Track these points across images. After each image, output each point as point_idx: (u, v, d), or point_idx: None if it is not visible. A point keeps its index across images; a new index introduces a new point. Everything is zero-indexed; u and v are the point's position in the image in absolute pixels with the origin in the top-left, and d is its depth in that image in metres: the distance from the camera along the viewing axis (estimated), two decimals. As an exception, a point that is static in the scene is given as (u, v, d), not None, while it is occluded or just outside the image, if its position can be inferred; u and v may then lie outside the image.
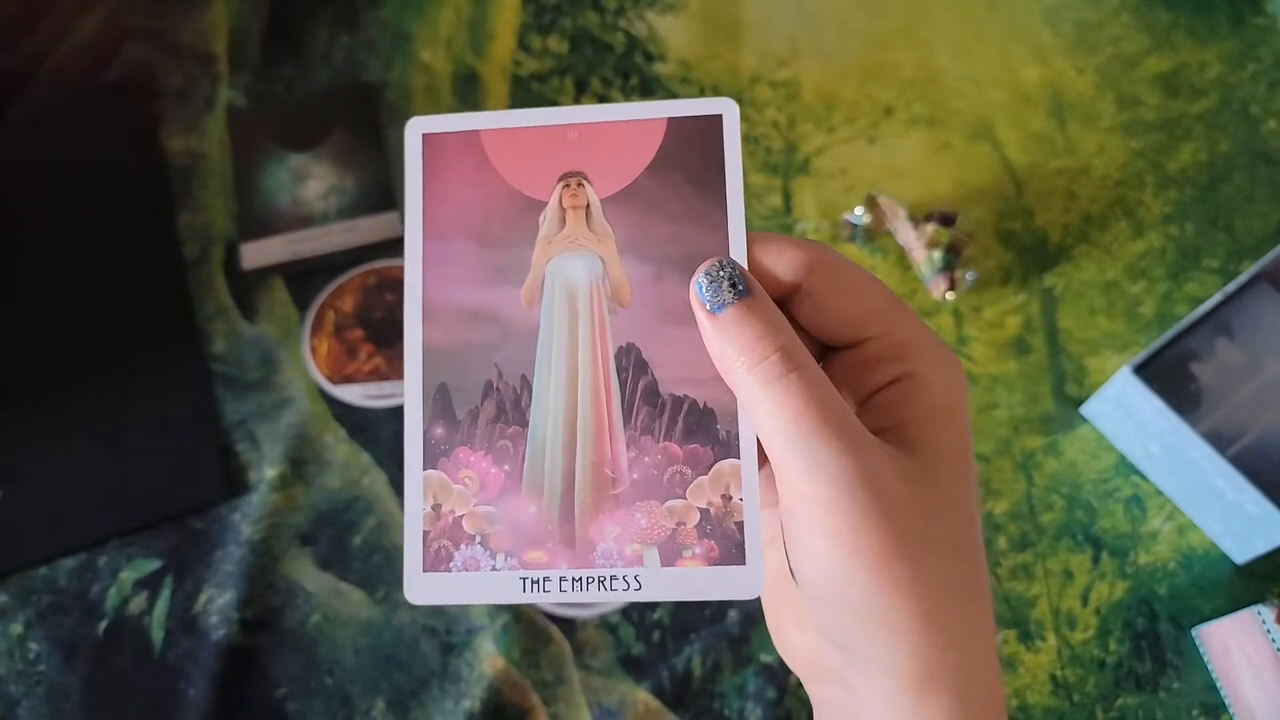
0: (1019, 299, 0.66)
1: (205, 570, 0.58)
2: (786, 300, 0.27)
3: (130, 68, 0.72)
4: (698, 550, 0.27)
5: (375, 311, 0.65)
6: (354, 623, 0.57)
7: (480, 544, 0.27)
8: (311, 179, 0.68)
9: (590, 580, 0.27)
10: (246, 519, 0.59)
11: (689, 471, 0.27)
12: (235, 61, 0.73)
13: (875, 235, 0.67)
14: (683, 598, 0.27)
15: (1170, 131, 0.71)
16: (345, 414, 0.62)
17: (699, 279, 0.26)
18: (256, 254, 0.66)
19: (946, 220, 0.65)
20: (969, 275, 0.64)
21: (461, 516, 0.27)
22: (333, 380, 0.63)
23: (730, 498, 0.27)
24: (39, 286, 0.65)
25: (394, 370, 0.63)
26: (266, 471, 0.60)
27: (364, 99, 0.71)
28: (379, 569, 0.58)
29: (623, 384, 0.27)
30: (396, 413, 0.62)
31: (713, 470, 0.27)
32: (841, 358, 0.28)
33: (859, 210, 0.66)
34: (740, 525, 0.27)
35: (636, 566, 0.27)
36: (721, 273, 0.26)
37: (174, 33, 0.73)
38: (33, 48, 0.72)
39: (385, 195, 0.68)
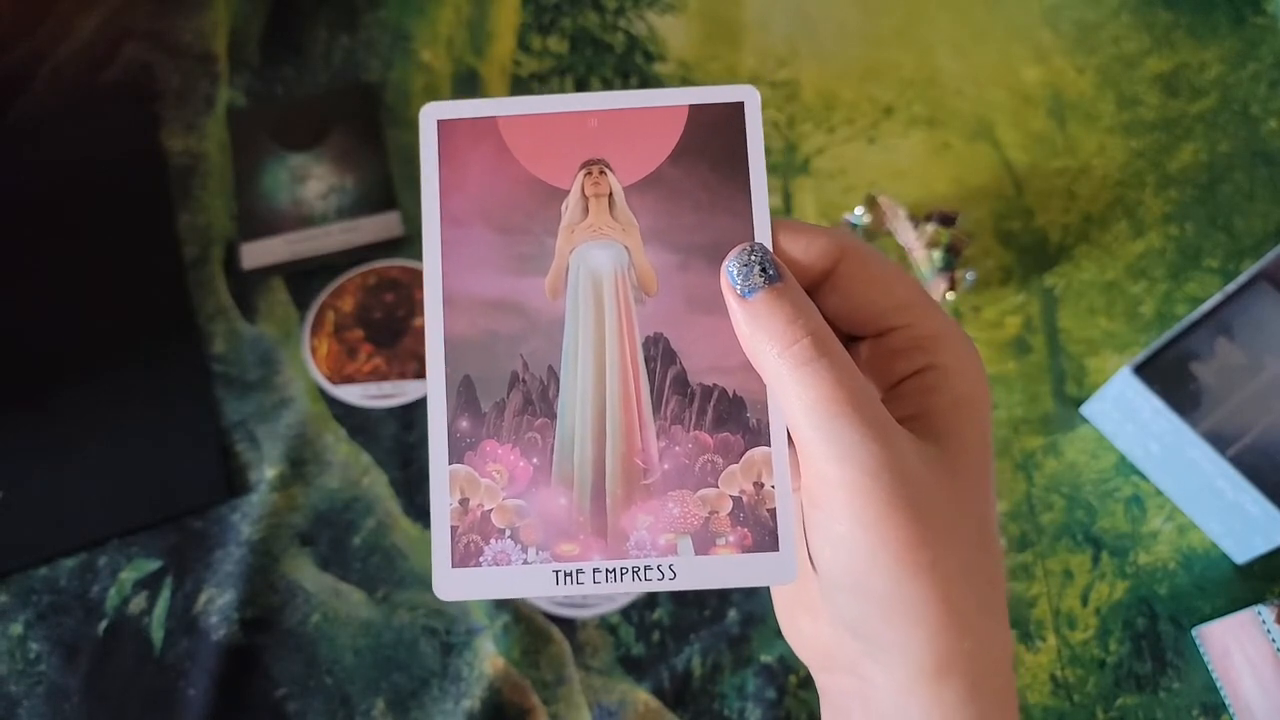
0: (1019, 299, 0.66)
1: (205, 570, 0.58)
2: (812, 288, 0.27)
3: (130, 68, 0.72)
4: (731, 538, 0.27)
5: (375, 312, 0.65)
6: (354, 623, 0.57)
7: (510, 538, 0.27)
8: (311, 179, 0.68)
9: (624, 571, 0.27)
10: (246, 519, 0.59)
11: (720, 460, 0.27)
12: (235, 61, 0.73)
13: (875, 235, 0.67)
14: (717, 586, 0.27)
15: (1170, 131, 0.71)
16: (345, 414, 0.62)
17: (729, 263, 0.26)
18: (256, 254, 0.66)
19: (946, 220, 0.65)
20: (969, 275, 0.64)
21: (490, 510, 0.27)
22: (333, 380, 0.63)
23: (762, 485, 0.27)
24: (39, 287, 0.65)
25: (394, 370, 0.63)
26: (266, 471, 0.60)
27: (364, 99, 0.71)
28: (379, 569, 0.58)
29: (651, 374, 0.27)
30: (396, 413, 0.62)
31: (744, 458, 0.27)
32: (865, 347, 0.28)
33: (859, 210, 0.66)
34: (773, 512, 0.27)
35: (670, 556, 0.27)
36: (752, 257, 0.26)
37: (174, 33, 0.73)
38: (32, 49, 0.72)
39: (385, 195, 0.68)
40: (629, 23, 0.75)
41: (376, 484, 0.60)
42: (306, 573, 0.58)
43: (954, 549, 0.24)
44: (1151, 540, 0.59)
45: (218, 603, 0.57)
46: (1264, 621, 0.52)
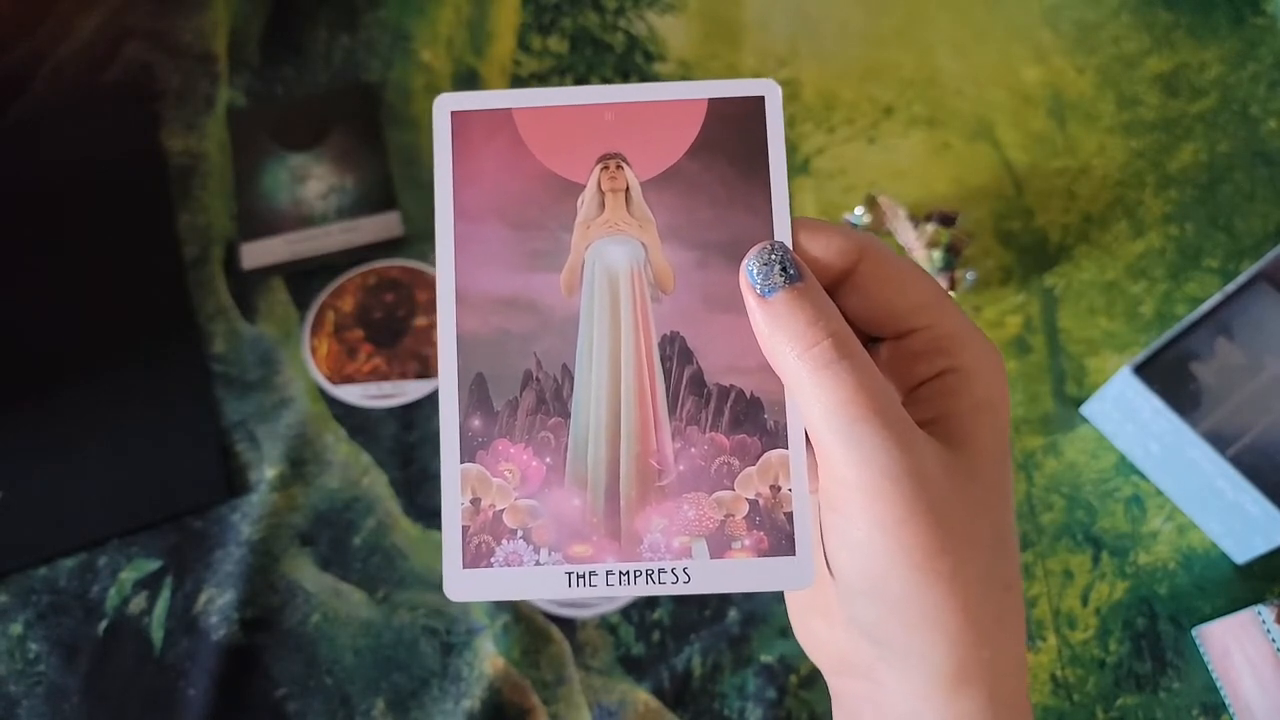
0: (1019, 299, 0.66)
1: (205, 570, 0.58)
2: (832, 288, 0.27)
3: (130, 68, 0.72)
4: (747, 542, 0.26)
5: (375, 312, 0.65)
6: (354, 623, 0.57)
7: (523, 538, 0.26)
8: (311, 179, 0.68)
9: (638, 574, 0.26)
10: (246, 519, 0.59)
11: (736, 462, 0.27)
12: (235, 61, 0.73)
13: (875, 235, 0.67)
14: (732, 590, 0.26)
15: (1170, 131, 0.71)
16: (345, 414, 0.62)
17: (749, 262, 0.26)
18: (256, 254, 0.66)
19: (946, 220, 0.65)
20: (969, 275, 0.64)
21: (502, 511, 0.27)
22: (333, 380, 0.63)
23: (779, 488, 0.26)
24: (39, 286, 0.65)
25: (394, 370, 0.63)
26: (266, 471, 0.60)
27: (364, 99, 0.71)
28: (379, 569, 0.58)
29: (667, 373, 0.27)
30: (396, 413, 0.62)
31: (761, 460, 0.27)
32: (885, 349, 0.27)
33: (859, 210, 0.66)
34: (789, 516, 0.26)
35: (685, 559, 0.26)
36: (773, 256, 0.26)
37: (174, 33, 0.73)
38: (32, 49, 0.72)
39: (385, 195, 0.68)
40: (629, 23, 0.75)
41: (376, 484, 0.60)
42: (306, 573, 0.58)
43: (973, 556, 0.24)
44: (1151, 540, 0.59)
45: (218, 603, 0.57)
46: (1264, 621, 0.52)
